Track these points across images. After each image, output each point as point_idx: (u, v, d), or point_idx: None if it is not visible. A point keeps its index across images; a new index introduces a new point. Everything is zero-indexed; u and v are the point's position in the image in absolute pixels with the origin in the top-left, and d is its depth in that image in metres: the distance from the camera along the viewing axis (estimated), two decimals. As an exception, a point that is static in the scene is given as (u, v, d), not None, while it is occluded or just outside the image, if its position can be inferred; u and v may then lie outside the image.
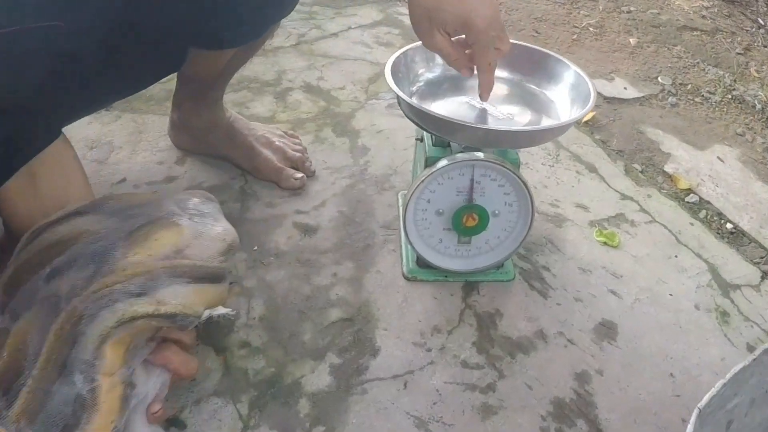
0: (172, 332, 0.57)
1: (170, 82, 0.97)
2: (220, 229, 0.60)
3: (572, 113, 0.75)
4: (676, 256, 0.94)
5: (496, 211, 0.78)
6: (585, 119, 1.24)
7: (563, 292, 0.85)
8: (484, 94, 0.73)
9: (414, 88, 0.80)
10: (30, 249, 0.56)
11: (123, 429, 0.53)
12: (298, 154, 1.00)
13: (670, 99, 1.37)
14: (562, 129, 0.71)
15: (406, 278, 0.84)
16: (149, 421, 0.56)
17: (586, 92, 0.74)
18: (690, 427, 0.48)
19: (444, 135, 0.73)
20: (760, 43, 1.71)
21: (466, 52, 0.72)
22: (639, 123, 1.27)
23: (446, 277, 0.84)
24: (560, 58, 0.80)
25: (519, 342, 0.78)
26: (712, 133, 1.28)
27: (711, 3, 1.85)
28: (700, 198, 1.08)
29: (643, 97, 1.37)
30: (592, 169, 1.11)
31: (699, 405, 0.49)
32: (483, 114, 0.75)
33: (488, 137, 0.69)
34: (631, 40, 1.60)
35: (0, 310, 0.53)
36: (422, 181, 0.74)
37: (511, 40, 0.77)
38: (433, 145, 0.78)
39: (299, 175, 0.97)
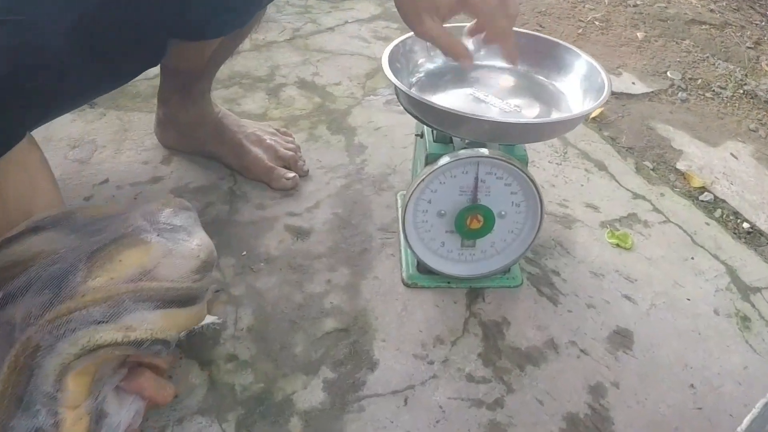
0: (145, 356, 0.54)
1: (157, 78, 0.94)
2: (194, 244, 0.56)
3: (585, 105, 0.70)
4: (692, 258, 0.90)
5: (503, 212, 0.74)
6: (593, 115, 1.20)
7: (574, 298, 0.81)
8: (513, 62, 0.72)
9: (413, 80, 0.76)
10: (-19, 270, 0.52)
11: None
12: (290, 153, 0.96)
13: (680, 94, 1.33)
14: (575, 121, 0.66)
15: (406, 285, 0.80)
16: None
17: (599, 83, 0.70)
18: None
19: (446, 129, 0.68)
20: (770, 37, 1.67)
21: (468, 31, 0.68)
22: (648, 119, 1.23)
23: (449, 283, 0.80)
24: (570, 47, 0.76)
25: (528, 353, 0.74)
26: (724, 129, 1.24)
27: (719, -4, 1.81)
28: (715, 196, 1.05)
29: (652, 92, 1.33)
30: (602, 167, 1.07)
31: (739, 429, 0.43)
32: (488, 107, 0.71)
33: (496, 130, 0.64)
34: (638, 34, 1.56)
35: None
36: (423, 179, 0.71)
37: (517, 29, 0.73)
38: (434, 141, 0.74)
39: (291, 174, 0.94)
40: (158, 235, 0.54)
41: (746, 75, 1.44)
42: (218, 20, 0.70)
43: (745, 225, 0.99)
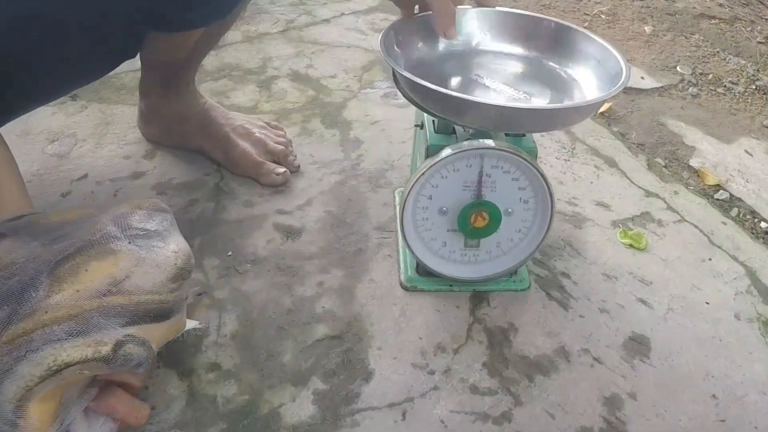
0: (117, 375, 0.50)
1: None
2: (169, 250, 0.52)
3: (599, 93, 0.66)
4: (710, 259, 0.86)
5: (510, 210, 0.70)
6: (601, 110, 1.17)
7: (586, 303, 0.77)
8: (442, 30, 0.65)
9: (412, 63, 0.71)
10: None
11: None
12: (280, 147, 0.92)
13: (690, 89, 1.30)
14: (590, 108, 0.62)
15: (404, 288, 0.77)
16: None
17: (615, 69, 0.65)
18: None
19: (449, 116, 0.63)
20: (781, 32, 1.63)
21: None
22: (659, 114, 1.20)
23: (451, 286, 0.77)
24: (583, 31, 0.71)
25: (537, 362, 0.70)
26: (737, 125, 1.21)
27: (727, -9, 1.77)
28: (731, 195, 1.01)
29: (661, 87, 1.30)
30: (612, 163, 1.03)
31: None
32: (495, 93, 0.67)
33: (502, 117, 0.59)
34: (645, 28, 1.52)
35: None
36: (423, 173, 0.66)
37: (523, 12, 0.68)
38: (435, 132, 0.69)
39: (281, 169, 0.90)
40: (129, 243, 0.50)
41: (758, 70, 1.40)
42: (200, 10, 0.67)
43: (763, 224, 0.95)
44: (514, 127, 0.63)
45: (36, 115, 1.00)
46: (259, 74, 1.18)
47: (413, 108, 0.69)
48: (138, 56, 0.85)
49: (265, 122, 0.98)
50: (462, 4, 0.70)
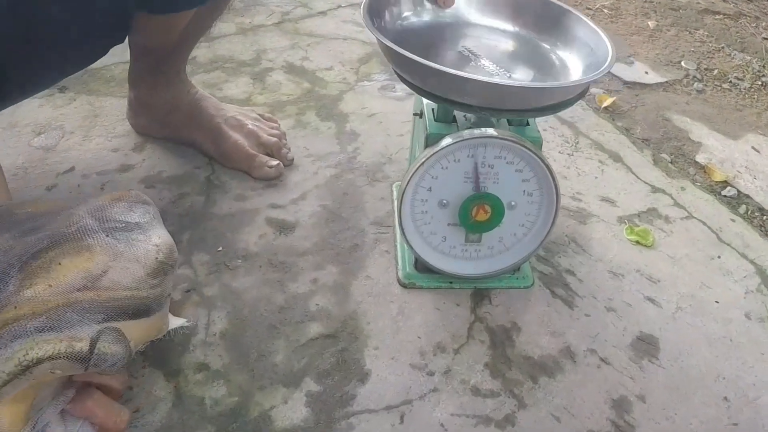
0: (94, 375, 0.48)
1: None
2: (150, 244, 0.49)
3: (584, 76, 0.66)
4: (719, 257, 0.84)
5: (513, 203, 0.68)
6: (605, 105, 1.15)
7: (592, 301, 0.75)
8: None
9: (396, 31, 0.71)
10: None
11: None
12: (273, 139, 0.90)
13: (695, 85, 1.28)
14: (571, 89, 0.61)
15: (402, 285, 0.75)
16: None
17: (604, 54, 0.65)
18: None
19: (426, 87, 0.62)
20: (786, 29, 1.61)
21: None
22: (664, 109, 1.18)
23: (451, 283, 0.75)
24: (577, 13, 0.71)
25: (542, 362, 0.68)
26: (743, 121, 1.19)
27: (731, -14, 1.76)
28: (738, 191, 0.99)
29: (666, 82, 1.28)
30: (617, 158, 1.01)
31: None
32: (477, 68, 0.66)
33: (476, 90, 0.59)
34: (649, 23, 1.50)
35: None
36: (422, 163, 0.64)
37: None
38: (435, 120, 0.67)
39: (274, 162, 0.88)
40: (107, 236, 0.48)
41: (764, 66, 1.39)
42: None
43: (773, 222, 0.93)
44: (490, 101, 0.61)
45: (23, 107, 0.98)
46: (253, 66, 1.16)
47: (411, 101, 0.67)
48: (127, 45, 0.83)
49: (259, 114, 0.96)
50: None
